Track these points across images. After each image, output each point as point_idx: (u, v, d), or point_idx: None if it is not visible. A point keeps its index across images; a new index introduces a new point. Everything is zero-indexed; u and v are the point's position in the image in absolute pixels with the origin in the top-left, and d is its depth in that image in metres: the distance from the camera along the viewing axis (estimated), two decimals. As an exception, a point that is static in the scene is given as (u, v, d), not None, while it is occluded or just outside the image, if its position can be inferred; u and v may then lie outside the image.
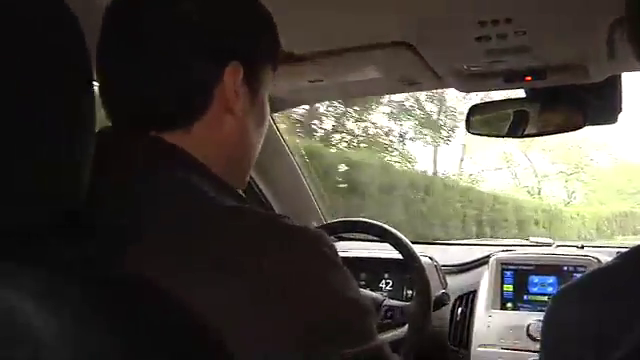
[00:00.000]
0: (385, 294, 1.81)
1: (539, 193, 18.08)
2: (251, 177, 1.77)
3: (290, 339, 0.59)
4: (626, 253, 0.65)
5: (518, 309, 1.64)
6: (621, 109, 1.41)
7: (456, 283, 1.77)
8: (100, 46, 0.72)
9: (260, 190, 1.85)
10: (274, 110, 1.67)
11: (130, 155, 0.69)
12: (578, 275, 1.50)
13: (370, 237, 1.72)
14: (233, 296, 0.58)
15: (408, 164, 13.37)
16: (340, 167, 7.90)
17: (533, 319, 1.52)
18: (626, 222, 16.81)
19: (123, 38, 0.71)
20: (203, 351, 0.57)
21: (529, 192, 17.82)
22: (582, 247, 1.74)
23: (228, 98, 0.71)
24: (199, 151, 0.70)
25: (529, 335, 1.51)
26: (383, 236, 1.59)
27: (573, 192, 18.77)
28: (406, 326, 1.48)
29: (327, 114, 11.47)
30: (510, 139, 1.74)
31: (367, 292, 1.58)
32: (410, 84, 1.36)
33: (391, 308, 1.54)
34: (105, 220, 0.63)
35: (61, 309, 0.55)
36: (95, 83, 0.64)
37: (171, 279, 0.58)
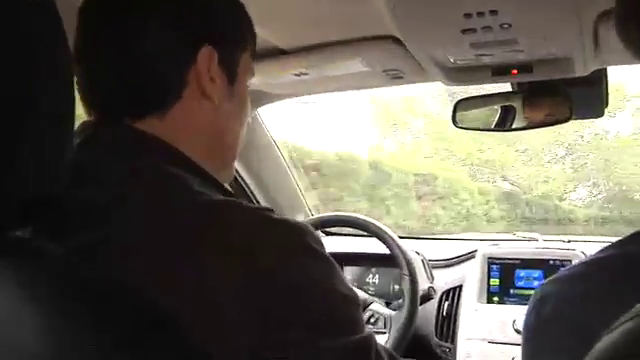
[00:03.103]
0: (372, 290, 1.82)
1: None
2: (237, 171, 1.76)
3: (274, 330, 0.58)
4: (611, 246, 0.65)
5: (504, 303, 1.64)
6: (607, 102, 1.42)
7: (443, 277, 1.77)
8: (75, 42, 0.71)
9: (247, 184, 1.84)
10: (259, 104, 1.66)
11: (107, 145, 0.68)
12: (566, 267, 1.50)
13: (357, 232, 1.72)
14: (217, 289, 0.58)
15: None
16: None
17: (519, 313, 1.52)
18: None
19: (93, 26, 0.70)
20: (177, 342, 0.56)
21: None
22: (569, 241, 1.75)
23: (203, 83, 0.71)
24: (175, 138, 0.69)
25: (515, 329, 1.52)
26: (369, 231, 1.59)
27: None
28: (386, 335, 1.48)
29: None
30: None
31: (358, 292, 1.57)
32: (396, 77, 1.35)
33: (376, 314, 1.54)
34: (84, 213, 0.62)
35: (36, 301, 0.54)
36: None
37: (153, 272, 0.57)
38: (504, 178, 5.15)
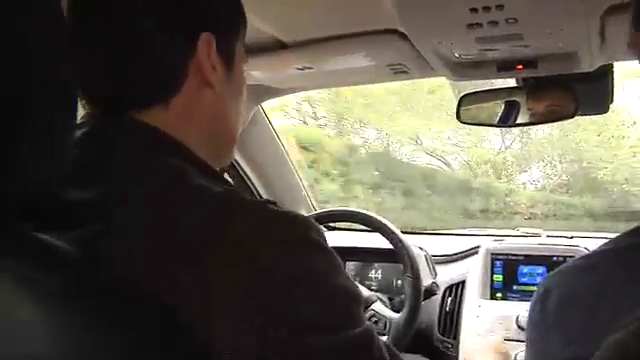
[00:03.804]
0: (375, 285, 1.81)
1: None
2: (240, 165, 1.76)
3: (275, 329, 0.58)
4: (613, 240, 0.65)
5: (507, 299, 1.64)
6: (612, 99, 1.41)
7: (446, 273, 1.76)
8: (70, 34, 0.70)
9: (249, 179, 1.83)
10: (262, 99, 1.66)
11: (109, 140, 0.68)
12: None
13: (360, 227, 1.71)
14: (220, 286, 0.57)
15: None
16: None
17: (522, 309, 1.51)
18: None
19: (90, 21, 0.70)
20: (175, 334, 0.56)
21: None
22: (571, 237, 1.75)
23: (204, 70, 0.71)
24: (179, 128, 0.70)
25: (518, 325, 1.51)
26: (372, 226, 1.59)
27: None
28: (386, 338, 1.47)
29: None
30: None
31: (361, 289, 1.57)
32: (400, 72, 1.35)
33: (377, 314, 1.53)
34: (86, 208, 0.62)
35: (39, 299, 0.54)
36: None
37: (154, 267, 0.57)
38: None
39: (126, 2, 0.69)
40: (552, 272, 0.70)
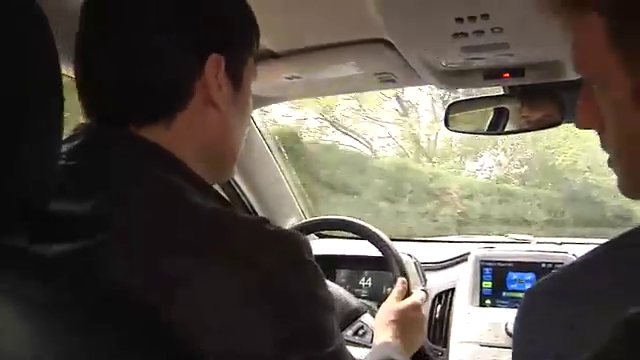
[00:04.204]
0: (365, 293, 1.81)
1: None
2: (230, 175, 1.76)
3: (263, 342, 0.59)
4: (601, 247, 0.65)
5: (497, 306, 1.64)
6: (598, 106, 1.42)
7: (435, 280, 1.77)
8: (79, 44, 0.71)
9: (239, 188, 1.83)
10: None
11: (109, 153, 0.68)
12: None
13: (351, 234, 1.71)
14: (208, 296, 0.58)
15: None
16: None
17: (511, 316, 1.51)
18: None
19: (103, 35, 0.70)
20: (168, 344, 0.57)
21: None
22: (561, 244, 1.75)
23: (210, 91, 0.71)
24: (179, 145, 0.70)
25: (508, 332, 1.51)
26: (361, 233, 1.58)
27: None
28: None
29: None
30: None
31: (351, 300, 1.54)
32: (388, 80, 1.36)
33: (365, 327, 1.50)
34: (83, 219, 0.62)
35: (27, 311, 0.54)
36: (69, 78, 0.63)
37: (152, 279, 0.58)
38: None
39: (139, 18, 0.69)
40: (539, 280, 0.71)
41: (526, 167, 4.11)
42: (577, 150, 3.81)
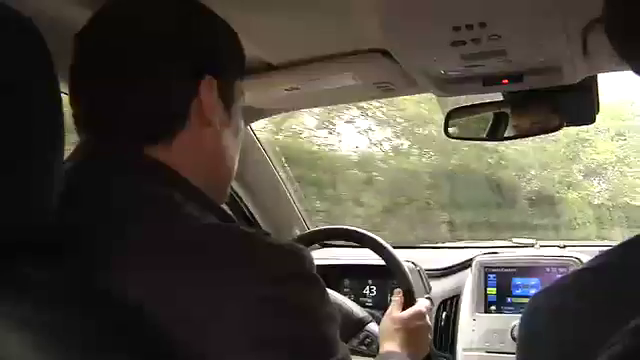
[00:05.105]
0: (370, 302, 1.80)
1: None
2: (232, 187, 1.76)
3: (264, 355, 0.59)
4: (605, 254, 0.65)
5: (502, 312, 1.64)
6: (598, 109, 1.42)
7: (440, 287, 1.77)
8: (77, 67, 0.73)
9: (242, 200, 1.84)
10: (251, 120, 1.66)
11: (112, 170, 0.69)
12: (560, 276, 1.50)
13: (353, 244, 1.71)
14: (210, 311, 0.58)
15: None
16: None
17: (517, 322, 1.51)
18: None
19: (102, 59, 0.71)
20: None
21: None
22: (564, 247, 1.75)
23: (205, 111, 0.73)
24: (179, 164, 0.71)
25: (513, 337, 1.51)
26: (363, 243, 1.58)
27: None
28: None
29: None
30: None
31: (356, 309, 1.52)
32: (387, 90, 1.36)
33: (371, 336, 1.49)
34: (85, 236, 0.63)
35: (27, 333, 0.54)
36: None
37: (155, 296, 0.58)
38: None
39: (135, 44, 0.71)
40: (542, 289, 0.71)
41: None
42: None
